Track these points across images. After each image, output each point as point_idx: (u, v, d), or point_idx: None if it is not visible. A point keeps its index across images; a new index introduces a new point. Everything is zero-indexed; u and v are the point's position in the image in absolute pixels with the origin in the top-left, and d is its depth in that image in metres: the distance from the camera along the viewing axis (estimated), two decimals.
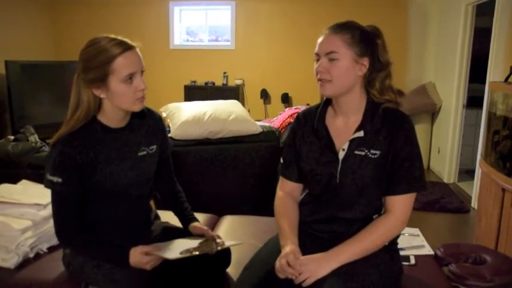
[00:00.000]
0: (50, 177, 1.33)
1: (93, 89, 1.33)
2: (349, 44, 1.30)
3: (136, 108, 1.39)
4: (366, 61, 1.32)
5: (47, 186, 1.35)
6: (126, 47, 1.32)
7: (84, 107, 1.35)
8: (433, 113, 5.05)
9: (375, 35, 1.35)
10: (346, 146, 1.35)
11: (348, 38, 1.30)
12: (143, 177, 1.50)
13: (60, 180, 1.32)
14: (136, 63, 1.34)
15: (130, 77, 1.32)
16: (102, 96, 1.35)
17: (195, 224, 1.58)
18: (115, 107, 1.37)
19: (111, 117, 1.40)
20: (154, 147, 1.52)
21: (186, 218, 1.61)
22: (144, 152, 1.49)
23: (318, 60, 1.35)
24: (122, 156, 1.43)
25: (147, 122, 1.51)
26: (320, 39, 1.34)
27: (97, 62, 1.30)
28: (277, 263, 1.29)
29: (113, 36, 1.34)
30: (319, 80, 1.35)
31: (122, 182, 1.42)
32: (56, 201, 1.36)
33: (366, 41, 1.32)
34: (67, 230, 1.38)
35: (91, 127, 1.37)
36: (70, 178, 1.33)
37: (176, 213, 1.66)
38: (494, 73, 3.54)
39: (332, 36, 1.31)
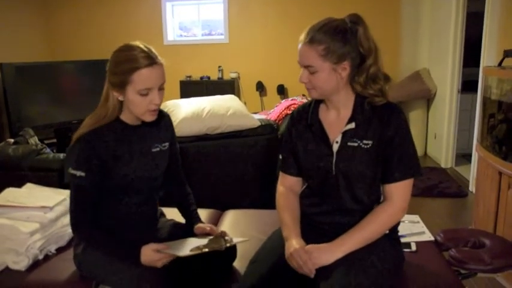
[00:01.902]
0: (72, 171, 1.39)
1: (113, 91, 1.40)
2: (324, 56, 1.30)
3: (147, 119, 1.44)
4: (346, 64, 1.32)
5: (68, 180, 1.41)
6: (152, 62, 1.36)
7: (110, 104, 1.42)
8: (428, 99, 5.08)
9: (354, 25, 1.32)
10: (339, 139, 1.38)
11: (322, 50, 1.29)
12: (156, 173, 1.56)
13: (83, 174, 1.38)
14: (157, 79, 1.38)
15: (147, 92, 1.37)
16: (120, 98, 1.41)
17: (199, 224, 1.62)
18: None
19: (130, 115, 1.47)
20: (166, 144, 1.59)
21: (191, 220, 1.65)
22: (158, 149, 1.55)
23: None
24: (138, 151, 1.49)
25: (160, 120, 1.57)
26: (299, 47, 1.35)
27: (121, 68, 1.35)
28: (293, 263, 1.32)
29: (145, 47, 1.37)
30: (305, 87, 1.39)
31: (137, 176, 1.48)
32: (75, 194, 1.41)
33: (344, 43, 1.30)
34: (84, 223, 1.43)
35: (111, 123, 1.44)
36: (92, 172, 1.39)
37: (182, 213, 1.70)
38: (487, 57, 3.56)
39: (307, 48, 1.31)
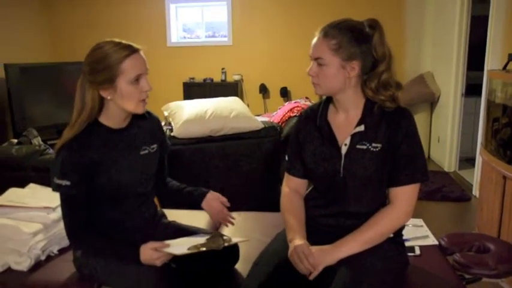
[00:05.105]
0: (58, 181, 1.37)
1: (100, 91, 1.38)
2: (335, 51, 1.31)
3: (140, 110, 1.44)
4: (355, 64, 1.32)
5: (55, 190, 1.39)
6: (133, 50, 1.38)
7: (87, 108, 1.39)
8: (432, 102, 5.07)
9: (371, 30, 1.33)
10: (348, 141, 1.37)
11: (334, 45, 1.30)
12: (146, 175, 1.54)
13: (68, 183, 1.36)
14: (142, 65, 1.40)
15: (137, 78, 1.38)
16: (109, 97, 1.39)
17: (208, 199, 1.65)
18: (120, 108, 1.42)
19: (114, 118, 1.45)
20: (155, 146, 1.58)
21: (194, 196, 1.67)
22: (146, 151, 1.53)
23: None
24: (125, 155, 1.47)
25: (147, 122, 1.56)
26: (313, 41, 1.36)
27: (106, 63, 1.35)
28: (294, 257, 1.32)
29: (117, 40, 1.39)
30: (311, 81, 1.39)
31: (126, 180, 1.46)
32: (65, 204, 1.40)
33: (357, 42, 1.31)
34: (78, 232, 1.42)
35: (94, 129, 1.42)
36: (78, 180, 1.37)
37: (179, 197, 1.71)
38: (492, 61, 3.55)
39: (320, 41, 1.34)
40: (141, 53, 1.41)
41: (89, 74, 1.37)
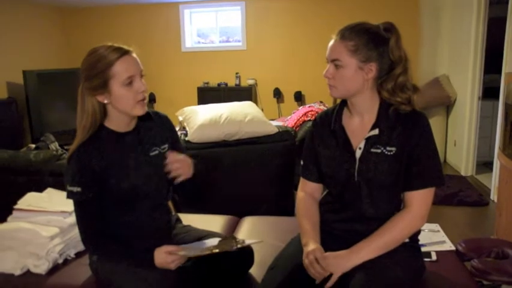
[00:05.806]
0: (69, 188, 1.40)
1: (96, 96, 1.39)
2: (352, 52, 1.31)
3: (139, 112, 1.43)
4: (372, 66, 1.32)
5: (68, 197, 1.42)
6: (123, 52, 1.38)
7: (89, 115, 1.40)
8: (447, 105, 5.01)
9: (387, 33, 1.33)
10: (362, 145, 1.37)
11: (352, 46, 1.31)
12: (158, 177, 1.53)
13: (79, 189, 1.38)
14: (135, 66, 1.40)
15: (130, 80, 1.38)
16: (106, 101, 1.40)
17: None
18: (119, 111, 1.43)
19: (118, 121, 1.46)
20: (165, 146, 1.56)
21: None
22: (156, 152, 1.53)
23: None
24: (134, 157, 1.48)
25: (155, 122, 1.56)
26: (329, 44, 1.37)
27: (97, 68, 1.36)
28: (305, 260, 1.32)
29: (110, 43, 1.40)
30: (328, 83, 1.39)
31: (138, 183, 1.47)
32: (78, 210, 1.42)
33: (374, 44, 1.31)
34: (92, 238, 1.44)
35: (101, 134, 1.43)
36: (89, 186, 1.39)
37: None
38: (509, 63, 3.49)
39: (337, 43, 1.34)
40: (133, 54, 1.41)
41: (85, 80, 1.39)
